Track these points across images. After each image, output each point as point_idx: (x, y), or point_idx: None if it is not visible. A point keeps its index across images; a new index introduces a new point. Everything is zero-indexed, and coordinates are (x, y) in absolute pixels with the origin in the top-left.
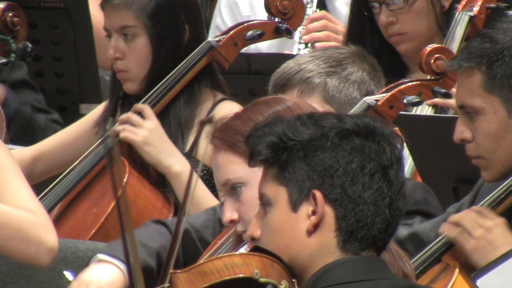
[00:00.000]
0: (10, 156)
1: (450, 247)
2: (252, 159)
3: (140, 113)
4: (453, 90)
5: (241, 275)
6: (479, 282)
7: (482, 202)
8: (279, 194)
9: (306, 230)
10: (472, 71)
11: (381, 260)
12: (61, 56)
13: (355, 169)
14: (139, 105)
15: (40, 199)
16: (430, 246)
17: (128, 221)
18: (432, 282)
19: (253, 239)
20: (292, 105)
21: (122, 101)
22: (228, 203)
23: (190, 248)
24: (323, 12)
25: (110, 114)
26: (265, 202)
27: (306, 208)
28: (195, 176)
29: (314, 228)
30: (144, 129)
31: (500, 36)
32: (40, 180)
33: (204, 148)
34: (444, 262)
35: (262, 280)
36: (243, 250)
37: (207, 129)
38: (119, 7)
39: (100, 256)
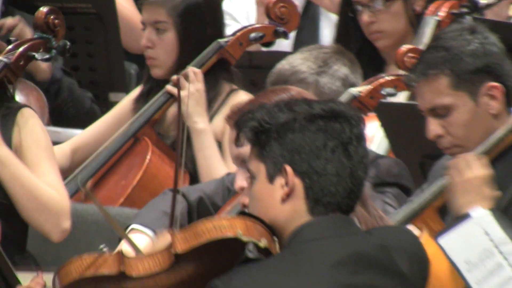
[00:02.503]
0: (48, 140)
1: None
2: (238, 141)
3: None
4: None
5: (227, 235)
6: (441, 240)
7: None
8: (260, 169)
9: (281, 198)
10: (437, 76)
11: (348, 218)
12: (93, 53)
13: (319, 146)
14: (195, 69)
15: (78, 172)
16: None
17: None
18: None
19: (244, 206)
20: (295, 94)
21: (154, 86)
22: (239, 173)
23: (204, 213)
24: None
25: (146, 96)
26: (251, 176)
27: (280, 180)
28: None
29: (287, 197)
30: (193, 86)
31: (451, 43)
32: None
33: (221, 126)
34: (413, 226)
35: (245, 239)
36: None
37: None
38: (155, 4)
39: (134, 225)
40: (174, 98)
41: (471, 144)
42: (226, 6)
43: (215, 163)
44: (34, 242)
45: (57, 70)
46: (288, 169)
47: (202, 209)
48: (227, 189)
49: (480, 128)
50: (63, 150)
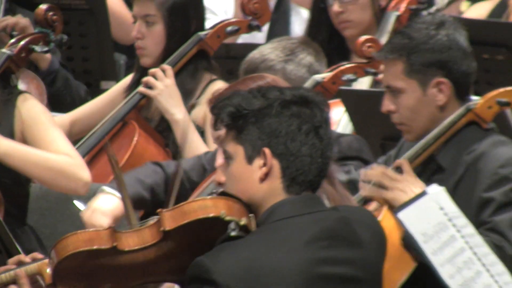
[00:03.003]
0: (48, 114)
1: (367, 202)
2: (216, 125)
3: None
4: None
5: (211, 215)
6: (400, 215)
7: (404, 156)
8: (238, 151)
9: (259, 178)
10: (395, 60)
11: (317, 197)
12: (86, 45)
13: (294, 130)
14: (164, 66)
15: None
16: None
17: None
18: None
19: (219, 184)
20: (271, 80)
21: (144, 74)
22: (219, 152)
23: (182, 189)
24: None
25: (136, 83)
26: (227, 157)
27: (258, 162)
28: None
29: (265, 176)
30: (162, 83)
31: (415, 34)
32: (76, 139)
33: (203, 113)
34: (374, 204)
35: (227, 218)
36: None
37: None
38: None
39: (105, 188)
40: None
41: (416, 126)
42: (206, 1)
43: (199, 147)
44: (33, 216)
45: (55, 62)
46: (267, 151)
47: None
48: (202, 167)
49: (424, 115)
50: (63, 121)
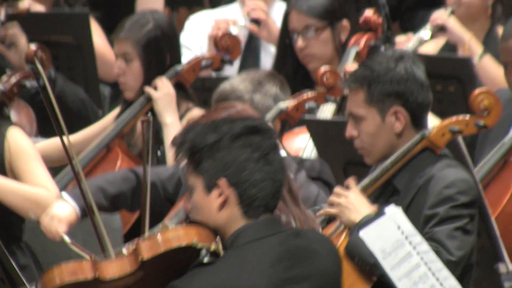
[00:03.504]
0: (32, 146)
1: (329, 221)
2: (176, 159)
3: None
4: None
5: (184, 244)
6: (361, 233)
7: (365, 179)
8: (197, 182)
9: (217, 207)
10: (357, 90)
11: (275, 218)
12: (74, 78)
13: (245, 159)
14: (163, 77)
15: (61, 178)
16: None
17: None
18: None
19: (186, 210)
20: (240, 109)
21: (128, 106)
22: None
23: (155, 196)
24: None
25: (121, 115)
26: (190, 188)
27: (215, 192)
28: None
29: (222, 205)
30: (161, 92)
31: (376, 66)
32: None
33: None
34: (337, 223)
35: (199, 245)
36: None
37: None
38: (122, 39)
39: (64, 194)
40: (138, 116)
41: (375, 151)
42: (183, 39)
43: None
44: (27, 234)
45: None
46: (222, 182)
47: (153, 191)
48: (179, 179)
49: (383, 141)
50: (56, 144)
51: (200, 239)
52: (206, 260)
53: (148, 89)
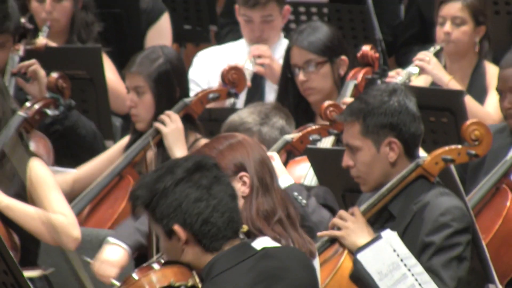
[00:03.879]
0: (51, 176)
1: (332, 242)
2: (134, 215)
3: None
4: None
5: (163, 285)
6: (358, 256)
7: (363, 205)
8: (159, 230)
9: (180, 250)
10: (353, 122)
11: (243, 243)
12: (87, 110)
13: (190, 200)
14: (169, 112)
15: (76, 203)
16: (319, 243)
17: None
18: (327, 261)
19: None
20: (241, 139)
21: (139, 136)
22: None
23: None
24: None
25: (131, 144)
26: (158, 234)
27: (175, 237)
28: None
29: (185, 246)
30: (169, 127)
31: (371, 100)
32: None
33: None
34: (337, 246)
35: (177, 284)
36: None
37: None
38: (134, 73)
39: (110, 239)
40: (148, 146)
41: (370, 179)
42: (191, 74)
43: None
44: (41, 256)
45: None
46: (176, 227)
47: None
48: None
49: (378, 170)
50: (66, 180)
51: (176, 278)
52: None
53: (158, 125)
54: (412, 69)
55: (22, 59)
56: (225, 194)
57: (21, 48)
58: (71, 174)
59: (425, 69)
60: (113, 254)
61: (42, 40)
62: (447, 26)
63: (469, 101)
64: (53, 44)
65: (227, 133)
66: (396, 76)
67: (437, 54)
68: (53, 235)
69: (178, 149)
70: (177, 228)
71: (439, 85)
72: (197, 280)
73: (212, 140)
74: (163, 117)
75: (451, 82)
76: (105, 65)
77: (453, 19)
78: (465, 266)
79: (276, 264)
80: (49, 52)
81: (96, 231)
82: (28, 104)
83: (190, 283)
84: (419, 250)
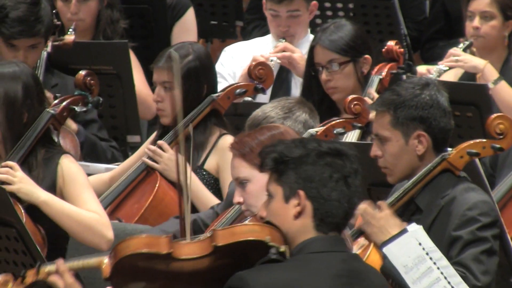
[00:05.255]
0: (83, 174)
1: (362, 233)
2: (262, 167)
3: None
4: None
5: (258, 238)
6: (384, 249)
7: (389, 199)
8: (277, 191)
9: (293, 215)
10: (384, 113)
11: (342, 238)
12: (114, 105)
13: (326, 177)
14: (160, 142)
15: (104, 197)
16: (352, 231)
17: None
18: (355, 252)
19: (262, 218)
20: (283, 130)
21: (165, 131)
22: (237, 191)
23: (198, 232)
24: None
25: (160, 138)
26: (269, 195)
27: (293, 201)
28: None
29: (298, 215)
30: (163, 160)
31: (402, 91)
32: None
33: (215, 165)
34: (364, 238)
35: (271, 244)
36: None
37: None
38: (162, 68)
39: None
40: (175, 142)
41: (397, 171)
42: (218, 68)
43: (209, 199)
44: (70, 252)
45: (81, 133)
46: (301, 193)
47: (196, 228)
48: (216, 213)
49: (405, 162)
50: (103, 179)
51: (272, 238)
52: (274, 257)
53: (149, 163)
54: (442, 66)
55: (50, 56)
56: (356, 189)
57: (49, 45)
58: (107, 174)
59: (457, 66)
60: None
61: (71, 36)
62: (476, 21)
63: (504, 88)
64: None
65: (270, 124)
66: (427, 74)
67: (466, 50)
68: (86, 235)
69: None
70: (301, 194)
71: (473, 75)
72: (288, 252)
73: (255, 130)
74: (155, 150)
75: (487, 66)
76: (133, 66)
77: (482, 14)
78: (494, 260)
79: (363, 270)
80: (76, 47)
81: (123, 226)
82: (56, 101)
83: (282, 249)
84: (447, 244)
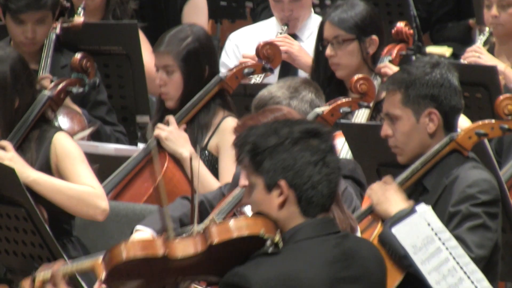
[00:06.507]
0: (78, 149)
1: (373, 211)
2: (238, 162)
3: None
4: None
5: (253, 233)
6: (393, 230)
7: (397, 179)
8: (258, 181)
9: (278, 205)
10: (394, 91)
11: (331, 219)
12: (123, 85)
13: (305, 162)
14: (167, 116)
15: (112, 177)
16: (360, 211)
17: (164, 199)
18: (363, 232)
19: (245, 205)
20: (286, 112)
21: (165, 114)
22: (243, 174)
23: (205, 213)
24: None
25: (159, 120)
26: (250, 186)
27: (276, 191)
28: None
29: (283, 204)
30: (163, 133)
31: (413, 70)
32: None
33: (216, 145)
34: (371, 218)
35: (266, 236)
36: (247, 208)
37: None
38: (163, 52)
39: (138, 226)
40: (182, 123)
41: (408, 150)
42: (223, 58)
43: (207, 178)
44: (78, 231)
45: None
46: (282, 183)
47: (202, 209)
48: (222, 194)
49: (416, 140)
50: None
51: (266, 229)
52: (271, 250)
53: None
54: (463, 61)
55: (59, 37)
56: (335, 165)
57: (58, 26)
58: None
59: (478, 63)
60: (140, 236)
61: (80, 18)
62: (494, 10)
63: None
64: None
65: (272, 106)
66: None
67: (486, 42)
68: (80, 208)
69: (183, 148)
70: (283, 184)
71: None
72: (280, 239)
73: (258, 113)
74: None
75: (507, 69)
76: (142, 45)
77: (499, 2)
78: (491, 237)
79: (356, 249)
80: (86, 28)
81: (132, 205)
82: (52, 84)
83: (276, 239)
84: (446, 220)
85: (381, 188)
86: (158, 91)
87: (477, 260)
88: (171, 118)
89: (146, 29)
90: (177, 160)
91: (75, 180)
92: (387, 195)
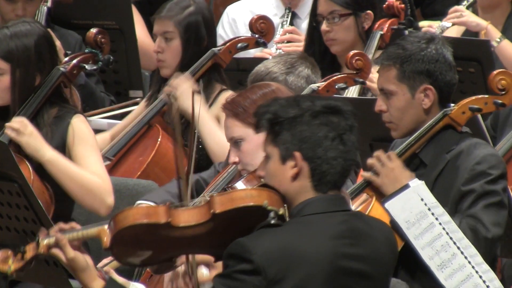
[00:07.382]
0: (93, 136)
1: (368, 184)
2: (257, 128)
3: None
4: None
5: (256, 203)
6: (386, 205)
7: (395, 151)
8: (274, 152)
9: (290, 176)
10: (389, 67)
11: (342, 197)
12: (117, 59)
13: (321, 137)
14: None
15: (105, 152)
16: (355, 186)
17: (181, 168)
18: (357, 207)
19: (260, 177)
20: (275, 88)
21: (162, 85)
22: (232, 151)
23: (200, 191)
24: (292, 27)
25: (156, 93)
26: (266, 156)
27: (290, 163)
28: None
29: (296, 176)
30: (180, 89)
31: (408, 45)
32: None
33: (215, 116)
34: (365, 194)
35: (269, 208)
36: (241, 181)
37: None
38: (164, 18)
39: (140, 201)
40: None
41: (402, 125)
42: (219, 30)
43: (217, 132)
44: (78, 216)
45: (82, 76)
46: (297, 154)
47: (198, 187)
48: (217, 172)
49: (411, 116)
50: (104, 137)
51: (270, 201)
52: (273, 221)
53: (166, 98)
54: (446, 23)
55: (50, 11)
56: (352, 145)
57: (49, 0)
58: (108, 132)
59: (460, 22)
60: None
61: None
62: None
63: (507, 46)
64: None
65: (261, 82)
66: (429, 29)
67: (469, 8)
68: (87, 198)
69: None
70: (297, 155)
71: (475, 34)
72: (287, 213)
73: (246, 89)
74: (173, 82)
75: (489, 26)
76: (135, 20)
77: None
78: (504, 213)
79: (366, 229)
80: (78, 3)
81: (125, 180)
82: (66, 58)
83: (281, 212)
84: (457, 199)
85: (387, 165)
86: (151, 66)
87: (495, 240)
88: (187, 76)
89: (139, 4)
90: (170, 133)
91: (86, 168)
92: (395, 175)
